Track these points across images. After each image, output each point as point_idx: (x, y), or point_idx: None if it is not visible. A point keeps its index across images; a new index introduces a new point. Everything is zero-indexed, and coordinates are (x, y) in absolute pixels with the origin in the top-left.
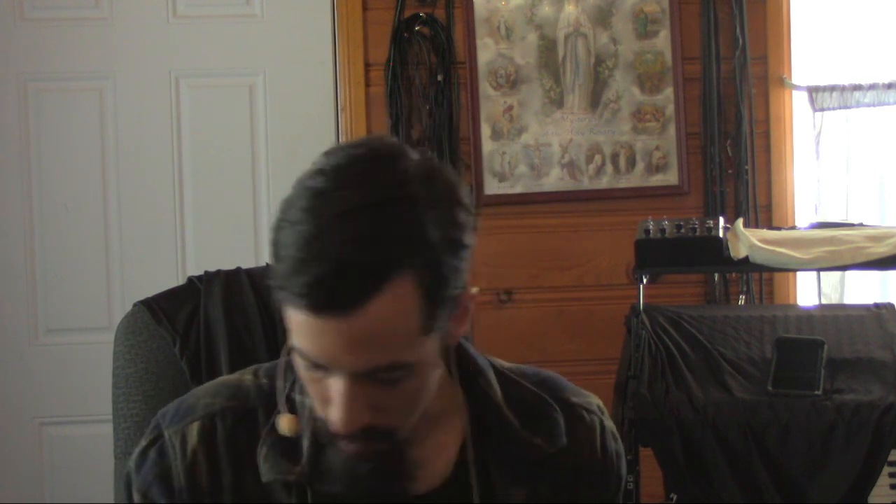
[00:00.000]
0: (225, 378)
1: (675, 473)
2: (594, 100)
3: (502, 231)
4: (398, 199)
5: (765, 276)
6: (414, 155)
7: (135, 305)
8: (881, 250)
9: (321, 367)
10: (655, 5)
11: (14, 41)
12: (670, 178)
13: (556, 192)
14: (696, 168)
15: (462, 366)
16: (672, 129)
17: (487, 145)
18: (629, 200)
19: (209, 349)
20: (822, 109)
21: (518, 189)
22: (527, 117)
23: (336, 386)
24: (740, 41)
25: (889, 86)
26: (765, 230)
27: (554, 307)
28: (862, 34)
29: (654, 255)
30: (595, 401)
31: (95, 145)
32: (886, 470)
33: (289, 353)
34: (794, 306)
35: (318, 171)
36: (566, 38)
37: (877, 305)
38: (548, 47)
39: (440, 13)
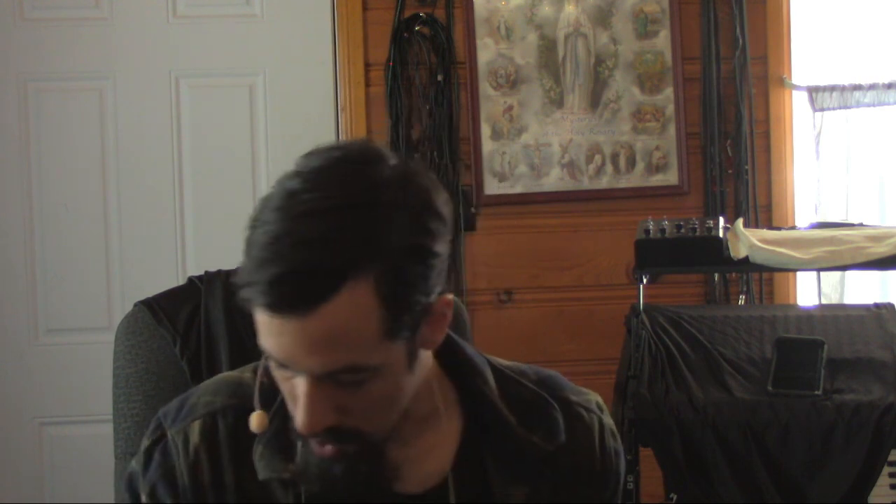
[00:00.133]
0: (225, 375)
1: (675, 473)
2: (594, 100)
3: (502, 231)
4: (365, 203)
5: (765, 276)
6: (392, 160)
7: (135, 305)
8: (881, 250)
9: (286, 366)
10: (655, 5)
11: (14, 41)
12: (670, 178)
13: (556, 192)
14: (696, 168)
15: (458, 365)
16: (672, 129)
17: (487, 145)
18: (629, 200)
19: (210, 349)
20: (822, 109)
21: (518, 189)
22: (527, 117)
23: (300, 386)
24: (740, 41)
25: (889, 86)
26: (765, 230)
27: (554, 307)
28: (862, 34)
29: (654, 255)
30: (594, 399)
31: (95, 145)
32: (886, 470)
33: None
34: (794, 306)
35: (296, 173)
36: (566, 38)
37: (877, 305)
38: (548, 47)
39: (440, 13)
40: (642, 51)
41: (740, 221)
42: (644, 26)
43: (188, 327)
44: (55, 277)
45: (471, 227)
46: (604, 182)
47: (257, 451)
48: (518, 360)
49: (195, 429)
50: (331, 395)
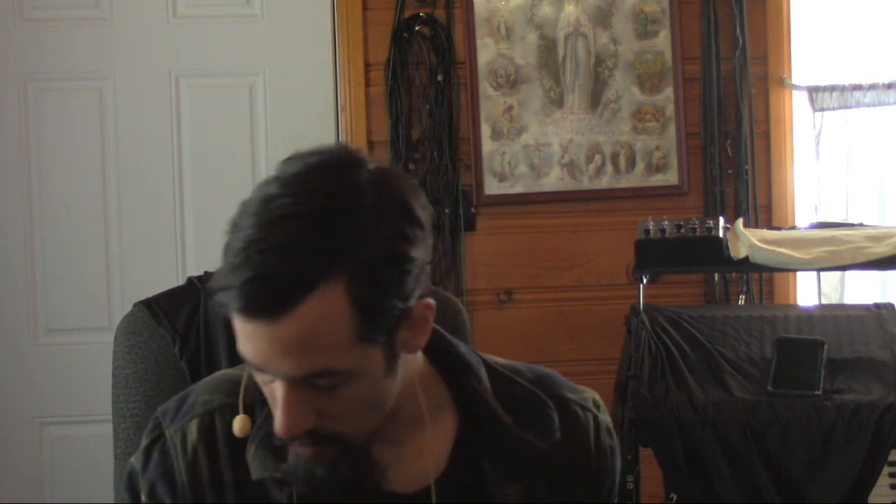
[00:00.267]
0: (223, 373)
1: (675, 473)
2: (594, 100)
3: (502, 231)
4: (339, 207)
5: (765, 276)
6: (370, 165)
7: (135, 305)
8: (881, 250)
9: (262, 370)
10: (655, 5)
11: (14, 41)
12: (670, 178)
13: (556, 192)
14: (696, 168)
15: (452, 365)
16: (672, 129)
17: (487, 145)
18: (629, 200)
19: (209, 349)
20: (822, 109)
21: (518, 189)
22: (527, 117)
23: (278, 390)
24: (740, 41)
25: (889, 86)
26: (765, 230)
27: (554, 307)
28: (862, 34)
29: (654, 255)
30: (591, 396)
31: (95, 145)
32: (886, 470)
33: None
34: (794, 306)
35: (274, 178)
36: (566, 38)
37: (877, 305)
38: (548, 47)
39: (440, 13)
40: (642, 51)
41: (740, 221)
42: (644, 26)
43: (187, 327)
44: (55, 277)
45: (471, 227)
46: (604, 182)
47: (250, 450)
48: (518, 360)
49: (193, 428)
50: (308, 398)
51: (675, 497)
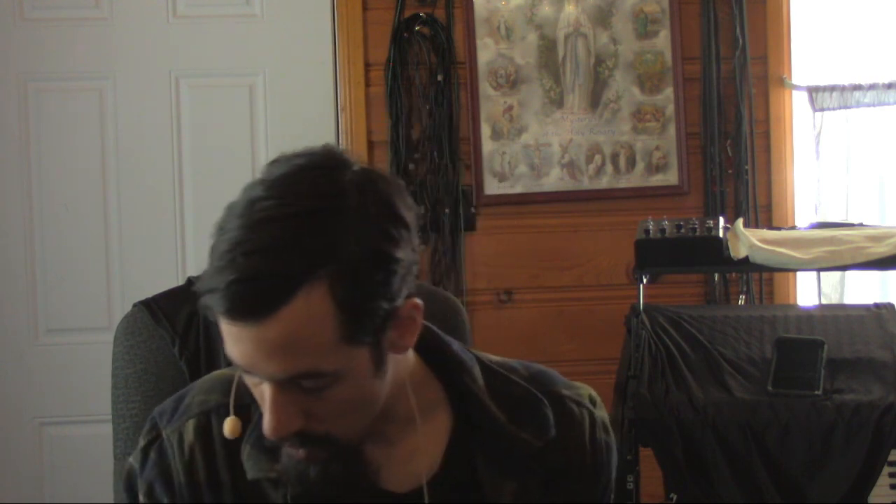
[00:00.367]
0: (219, 373)
1: (675, 473)
2: (594, 100)
3: (502, 231)
4: (323, 209)
5: (765, 276)
6: (355, 167)
7: (134, 306)
8: (881, 250)
9: (250, 372)
10: (655, 5)
11: (14, 41)
12: (670, 178)
13: (556, 192)
14: (696, 168)
15: (445, 363)
16: (672, 129)
17: (487, 145)
18: (629, 200)
19: (208, 349)
20: (822, 109)
21: (518, 189)
22: (527, 117)
23: (266, 392)
24: (740, 41)
25: (889, 86)
26: (765, 230)
27: (554, 307)
28: (862, 34)
29: (654, 255)
30: (587, 392)
31: (95, 145)
32: (886, 470)
33: None
34: (794, 306)
35: (260, 181)
36: (566, 38)
37: (877, 305)
38: (548, 47)
39: (440, 13)
40: (642, 51)
41: (740, 221)
42: (644, 26)
43: (187, 328)
44: (55, 277)
45: (471, 227)
46: (604, 182)
47: (245, 451)
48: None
49: (189, 428)
50: (295, 400)
51: (675, 497)
